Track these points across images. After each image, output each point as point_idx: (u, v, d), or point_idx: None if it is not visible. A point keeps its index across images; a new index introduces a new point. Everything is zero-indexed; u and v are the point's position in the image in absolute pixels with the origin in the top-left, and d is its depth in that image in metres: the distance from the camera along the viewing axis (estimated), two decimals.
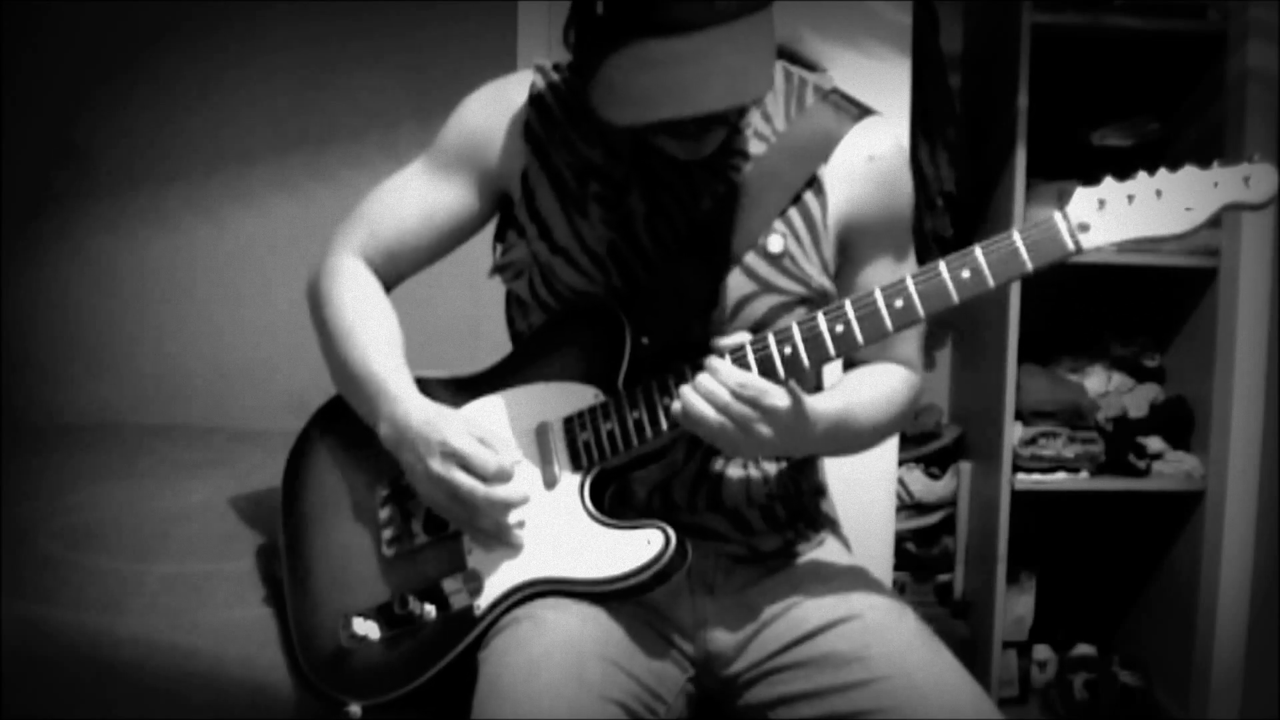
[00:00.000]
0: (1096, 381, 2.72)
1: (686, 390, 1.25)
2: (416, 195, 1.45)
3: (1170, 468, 2.60)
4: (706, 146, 1.32)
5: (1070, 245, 1.21)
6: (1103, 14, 2.52)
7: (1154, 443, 2.63)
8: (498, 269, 1.47)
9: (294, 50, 2.55)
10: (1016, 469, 2.56)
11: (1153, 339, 2.78)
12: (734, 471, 1.40)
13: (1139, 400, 2.71)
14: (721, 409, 1.23)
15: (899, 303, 1.24)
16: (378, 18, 2.55)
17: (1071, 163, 2.67)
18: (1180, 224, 1.20)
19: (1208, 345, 2.57)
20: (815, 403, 1.29)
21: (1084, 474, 2.60)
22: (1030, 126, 2.49)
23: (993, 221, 2.64)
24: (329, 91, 2.56)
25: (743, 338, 1.28)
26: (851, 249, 1.41)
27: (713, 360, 1.25)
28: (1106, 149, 2.69)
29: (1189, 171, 1.19)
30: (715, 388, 1.23)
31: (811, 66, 1.45)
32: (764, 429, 1.24)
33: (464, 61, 2.49)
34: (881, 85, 2.10)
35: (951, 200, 2.58)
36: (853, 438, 1.38)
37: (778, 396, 1.23)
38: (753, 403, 1.23)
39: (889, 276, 1.34)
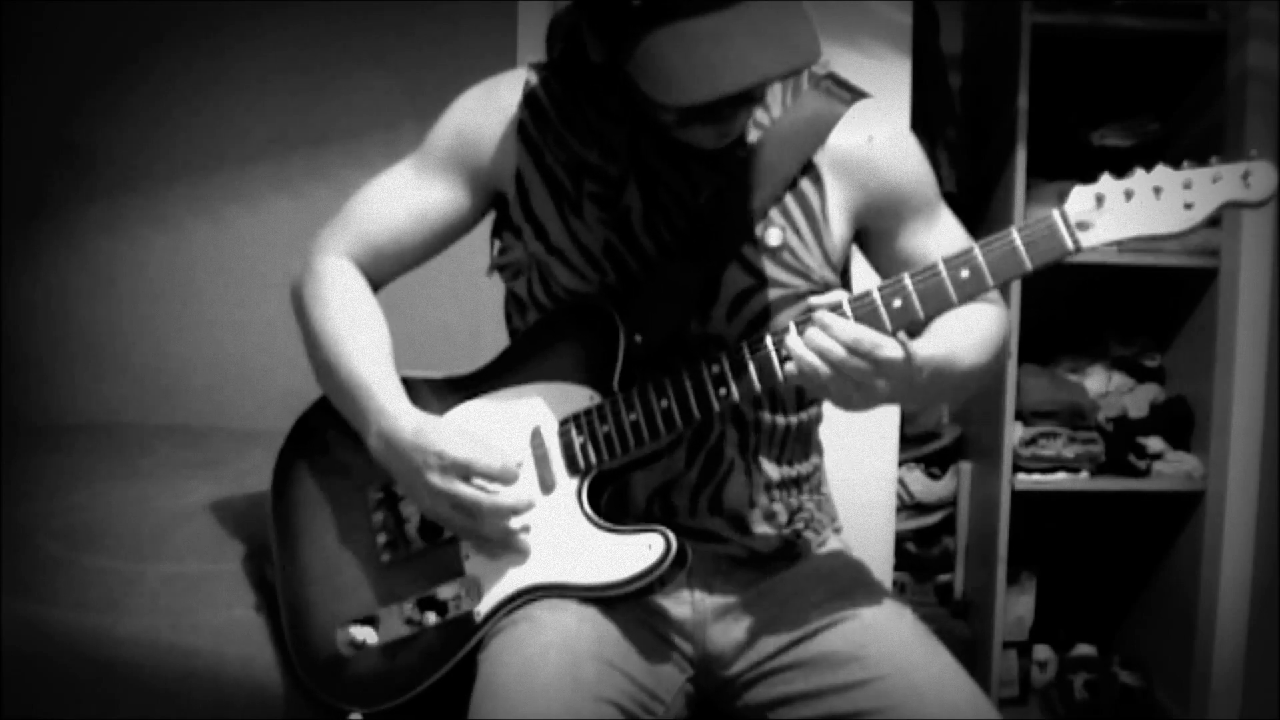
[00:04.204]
0: (1096, 381, 2.71)
1: (798, 346, 1.20)
2: (407, 195, 1.43)
3: (1170, 468, 2.60)
4: (736, 129, 1.30)
5: (1069, 244, 1.19)
6: (1103, 14, 2.52)
7: (1154, 443, 2.63)
8: (497, 268, 1.46)
9: (294, 50, 2.55)
10: (1017, 469, 2.56)
11: (1153, 339, 2.78)
12: (736, 476, 1.39)
13: (1139, 400, 2.71)
14: (836, 365, 1.18)
15: (897, 302, 1.22)
16: (377, 18, 2.54)
17: (1071, 163, 2.67)
18: (1180, 222, 1.18)
19: (1208, 345, 2.57)
20: (918, 348, 1.23)
21: (1084, 474, 2.60)
22: (1030, 126, 2.49)
23: (992, 221, 2.64)
24: (329, 91, 2.56)
25: (839, 296, 1.23)
26: (881, 229, 1.39)
27: (824, 315, 1.20)
28: (1106, 149, 2.69)
29: (1188, 169, 1.18)
30: (828, 343, 1.18)
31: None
32: (880, 382, 1.19)
33: (464, 61, 2.48)
34: (881, 85, 2.09)
35: (951, 200, 2.58)
36: (957, 383, 1.32)
37: (891, 348, 1.19)
38: (868, 356, 1.18)
39: (923, 246, 1.35)
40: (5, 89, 2.49)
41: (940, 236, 1.40)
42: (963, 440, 2.80)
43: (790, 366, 1.22)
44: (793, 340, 1.21)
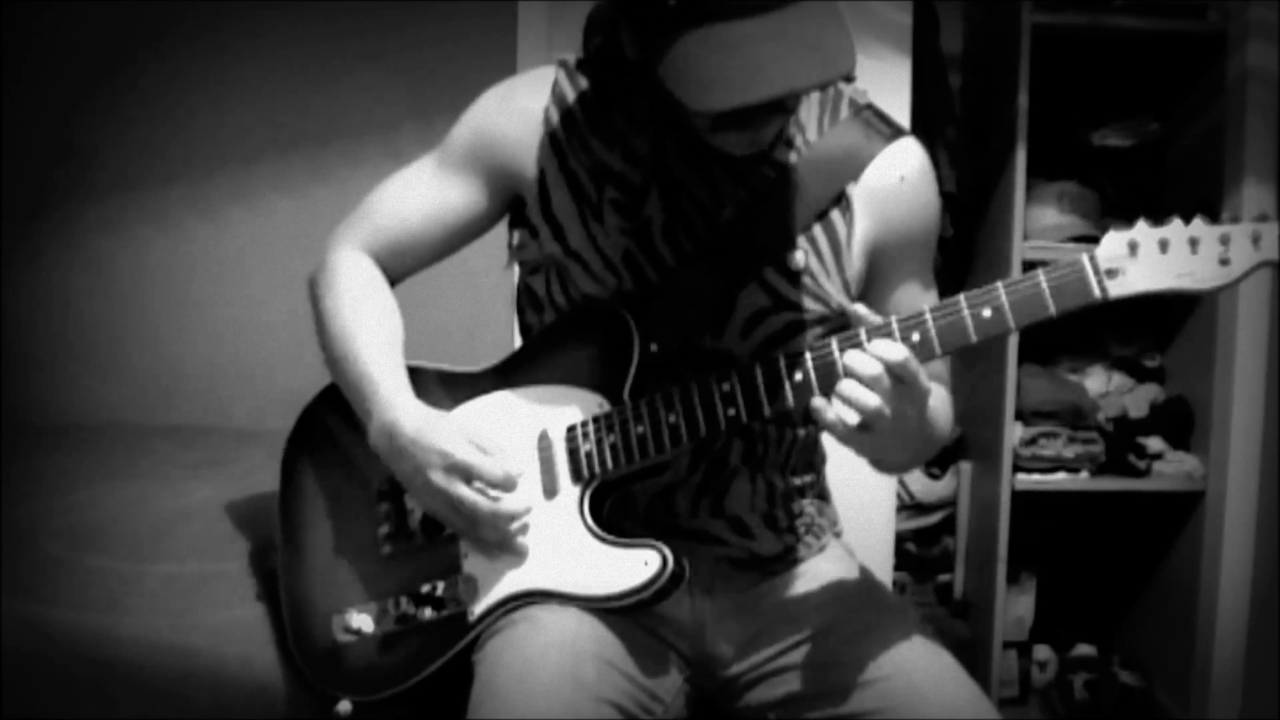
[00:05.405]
0: (1096, 381, 2.71)
1: (850, 388, 1.16)
2: (424, 193, 1.42)
3: (1170, 468, 2.60)
4: (766, 137, 1.28)
5: (1096, 292, 1.16)
6: (1103, 14, 2.52)
7: (1154, 443, 2.63)
8: (517, 261, 1.45)
9: (294, 50, 2.55)
10: (1017, 469, 2.56)
11: (1153, 339, 2.78)
12: (739, 483, 1.39)
13: (1139, 400, 2.71)
14: (883, 385, 1.16)
15: (916, 336, 1.20)
16: (378, 18, 2.55)
17: (1071, 163, 2.67)
18: (1215, 278, 1.15)
19: (1208, 345, 2.57)
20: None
21: (1084, 474, 2.59)
22: (1030, 126, 2.48)
23: (993, 221, 2.64)
24: (329, 91, 2.56)
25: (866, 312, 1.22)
26: (882, 270, 1.38)
27: (880, 344, 1.17)
28: (1106, 149, 2.69)
29: (1226, 223, 1.15)
30: (875, 370, 1.16)
31: (848, 76, 1.42)
32: (911, 410, 1.18)
33: (464, 61, 2.49)
34: (881, 85, 2.09)
35: (951, 200, 2.58)
36: (927, 445, 1.34)
37: (924, 378, 1.18)
38: (914, 378, 1.16)
39: (918, 298, 1.33)
40: (5, 89, 2.49)
41: (931, 299, 1.39)
42: (963, 440, 2.80)
43: (830, 415, 1.17)
44: (850, 357, 1.18)
